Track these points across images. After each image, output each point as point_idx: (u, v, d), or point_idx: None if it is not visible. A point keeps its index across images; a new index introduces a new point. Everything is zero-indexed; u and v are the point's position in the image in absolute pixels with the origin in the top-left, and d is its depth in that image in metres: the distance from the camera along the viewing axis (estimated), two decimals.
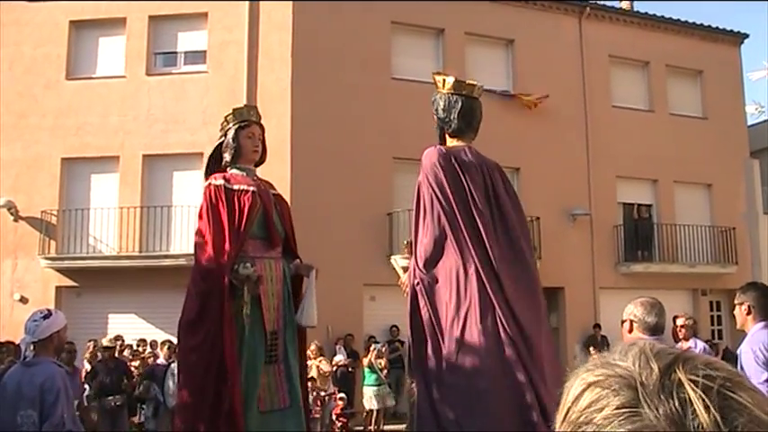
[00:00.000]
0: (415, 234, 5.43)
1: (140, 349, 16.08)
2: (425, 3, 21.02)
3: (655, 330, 4.33)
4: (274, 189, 6.09)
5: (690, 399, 0.84)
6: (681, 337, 9.47)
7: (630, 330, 4.41)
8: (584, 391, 0.92)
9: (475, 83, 5.94)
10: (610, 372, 0.91)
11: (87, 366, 14.04)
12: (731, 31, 25.54)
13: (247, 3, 19.98)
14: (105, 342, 13.46)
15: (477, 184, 5.27)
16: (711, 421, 0.81)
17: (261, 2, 20.07)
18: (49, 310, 5.40)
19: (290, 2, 19.87)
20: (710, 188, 24.19)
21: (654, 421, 0.83)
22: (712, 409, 0.82)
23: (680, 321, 9.71)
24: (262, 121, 6.08)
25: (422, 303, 5.20)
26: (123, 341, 15.91)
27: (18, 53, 20.23)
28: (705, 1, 52.55)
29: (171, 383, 12.32)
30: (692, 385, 0.85)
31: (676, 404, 0.84)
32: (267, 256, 5.71)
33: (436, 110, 5.65)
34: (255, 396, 5.33)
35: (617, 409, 0.86)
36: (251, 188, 5.72)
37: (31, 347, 5.15)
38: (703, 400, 0.83)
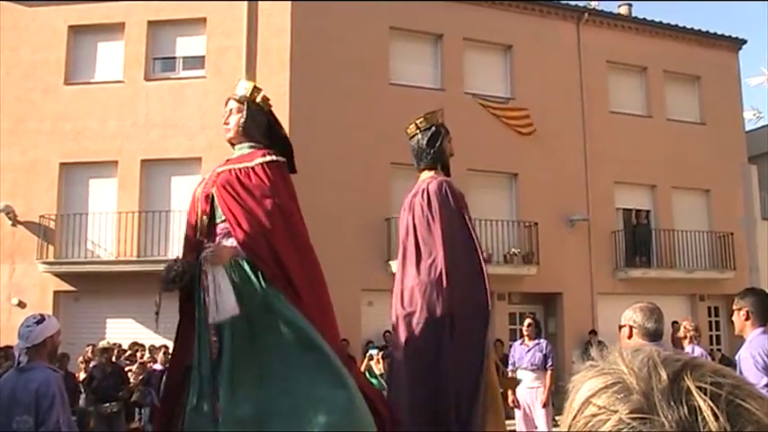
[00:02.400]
0: None
1: (138, 354, 16.04)
2: (424, 8, 21.04)
3: (654, 336, 4.31)
4: (254, 160, 5.09)
5: (699, 406, 0.83)
6: (679, 335, 9.47)
7: (630, 336, 4.39)
8: (591, 396, 0.90)
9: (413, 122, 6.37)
10: (617, 378, 0.90)
11: (82, 374, 14.06)
12: (729, 36, 25.57)
13: (246, 8, 19.99)
14: (102, 344, 13.47)
15: (402, 223, 6.03)
16: (721, 429, 0.81)
17: (260, 5, 20.08)
18: (41, 315, 5.38)
19: (289, 5, 19.88)
20: (708, 194, 24.19)
21: (664, 428, 0.82)
22: (721, 416, 0.82)
23: (684, 325, 9.71)
24: (249, 93, 5.30)
25: None
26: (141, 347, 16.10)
27: (16, 58, 20.23)
28: (703, 2, 52.58)
29: None
30: (701, 393, 0.84)
31: (686, 411, 0.83)
32: (208, 248, 4.95)
33: None
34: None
35: (626, 416, 0.85)
36: (207, 175, 5.26)
37: (25, 353, 5.13)
38: (712, 407, 0.82)
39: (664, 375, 0.87)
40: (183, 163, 19.26)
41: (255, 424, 4.26)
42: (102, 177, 19.84)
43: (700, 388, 0.84)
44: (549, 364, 10.90)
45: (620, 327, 4.52)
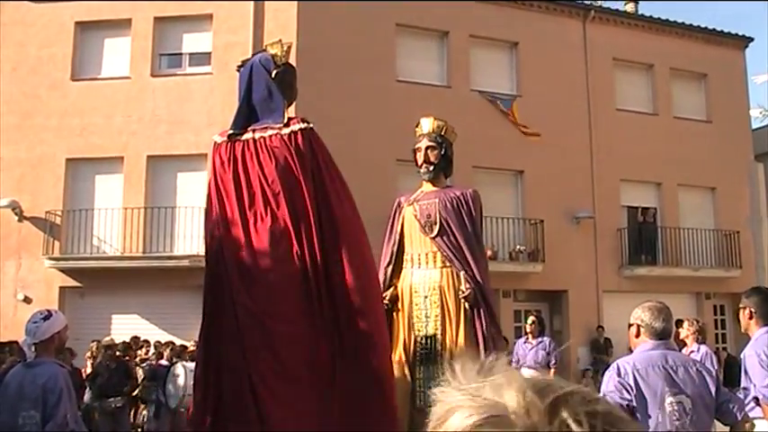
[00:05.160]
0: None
1: (143, 350, 16.03)
2: (430, 5, 21.02)
3: (662, 335, 4.32)
4: None
5: None
6: (683, 337, 9.48)
7: (637, 335, 4.40)
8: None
9: None
10: (494, 411, 0.87)
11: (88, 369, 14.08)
12: (736, 34, 25.51)
13: (252, 4, 20.00)
14: (106, 341, 13.53)
15: None
16: None
17: (266, 2, 20.09)
18: (48, 311, 5.40)
19: (295, 2, 19.88)
20: (714, 191, 24.15)
21: None
22: None
23: (686, 325, 9.72)
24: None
25: None
26: (145, 344, 16.07)
27: (23, 54, 20.26)
28: (710, 1, 52.47)
29: (171, 386, 12.32)
30: (577, 423, 0.84)
31: None
32: None
33: (446, 152, 6.60)
34: None
35: None
36: None
37: (33, 348, 5.16)
38: None
39: (539, 405, 0.86)
40: (189, 159, 19.27)
41: None
42: (108, 173, 19.85)
43: (576, 418, 0.84)
44: (553, 362, 10.91)
45: (630, 325, 4.53)
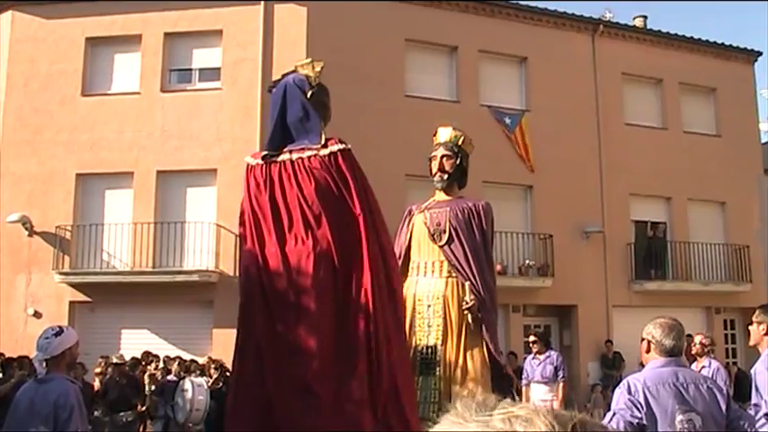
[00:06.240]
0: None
1: (153, 366, 16.02)
2: (439, 20, 21.09)
3: (671, 353, 4.31)
4: None
5: None
6: (694, 352, 9.48)
7: (648, 350, 4.40)
8: None
9: None
10: None
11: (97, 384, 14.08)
12: (745, 48, 25.50)
13: (261, 20, 20.08)
14: (114, 359, 13.54)
15: None
16: None
17: (276, 17, 20.17)
18: (60, 327, 5.41)
19: (305, 18, 19.95)
20: (724, 206, 24.08)
21: None
22: None
23: (698, 339, 9.71)
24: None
25: None
26: (155, 359, 16.03)
27: (34, 69, 20.38)
28: None
29: (180, 400, 12.32)
30: None
31: None
32: None
33: (462, 162, 6.52)
34: None
35: None
36: None
37: (44, 364, 5.16)
38: None
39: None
40: (199, 174, 19.34)
41: None
42: (117, 188, 19.91)
43: None
44: (561, 376, 10.90)
45: (642, 339, 4.53)
